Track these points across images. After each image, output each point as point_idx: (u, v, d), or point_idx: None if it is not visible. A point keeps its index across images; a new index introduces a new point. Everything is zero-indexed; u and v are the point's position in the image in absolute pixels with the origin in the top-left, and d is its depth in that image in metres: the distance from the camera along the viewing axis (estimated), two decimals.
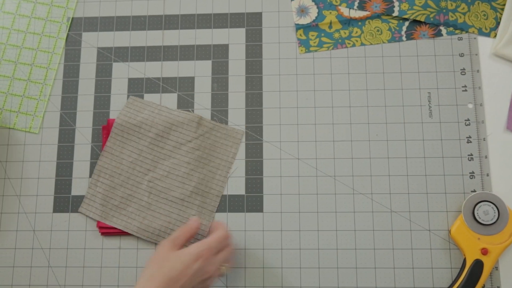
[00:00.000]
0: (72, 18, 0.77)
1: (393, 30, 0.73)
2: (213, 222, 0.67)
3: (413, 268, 0.66)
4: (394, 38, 0.73)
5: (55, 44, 0.76)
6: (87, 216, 0.70)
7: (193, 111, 0.72)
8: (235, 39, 0.74)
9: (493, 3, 0.73)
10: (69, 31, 0.76)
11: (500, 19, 0.72)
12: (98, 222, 0.69)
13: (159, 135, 0.70)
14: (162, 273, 0.55)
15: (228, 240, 0.63)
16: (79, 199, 0.71)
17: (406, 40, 0.73)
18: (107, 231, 0.69)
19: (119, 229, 0.69)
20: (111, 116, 0.73)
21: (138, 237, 0.69)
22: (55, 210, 0.71)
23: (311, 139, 0.71)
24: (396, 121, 0.71)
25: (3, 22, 0.77)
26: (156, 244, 0.68)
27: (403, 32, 0.73)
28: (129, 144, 0.70)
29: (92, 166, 0.72)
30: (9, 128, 0.73)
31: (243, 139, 0.71)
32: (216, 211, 0.69)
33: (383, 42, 0.73)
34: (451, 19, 0.72)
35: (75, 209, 0.71)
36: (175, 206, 0.68)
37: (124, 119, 0.71)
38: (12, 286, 0.69)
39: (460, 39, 0.72)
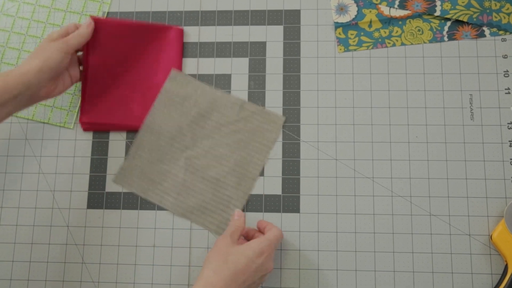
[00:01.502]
0: (108, 12, 0.76)
1: (434, 30, 0.71)
2: (259, 221, 0.66)
3: (452, 273, 0.65)
4: (436, 38, 0.71)
5: None
6: (122, 186, 0.70)
7: None
8: (272, 37, 0.73)
9: None
10: None
11: None
12: (81, 117, 0.71)
13: (201, 114, 0.70)
14: (227, 267, 0.56)
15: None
16: (113, 195, 0.70)
17: (448, 40, 0.71)
18: (89, 128, 0.71)
19: (103, 127, 0.71)
20: None
21: (173, 236, 0.68)
22: (89, 206, 0.70)
23: (349, 140, 0.70)
24: (436, 123, 0.69)
25: (38, 16, 0.76)
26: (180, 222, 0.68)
27: (444, 32, 0.71)
28: (170, 119, 0.70)
29: None
30: (44, 122, 0.73)
31: (280, 139, 0.70)
32: (253, 211, 0.68)
33: (424, 42, 0.71)
34: (494, 19, 0.71)
35: (109, 206, 0.70)
36: (210, 185, 0.68)
37: (171, 89, 0.71)
38: (46, 282, 0.68)
39: (503, 40, 0.71)
